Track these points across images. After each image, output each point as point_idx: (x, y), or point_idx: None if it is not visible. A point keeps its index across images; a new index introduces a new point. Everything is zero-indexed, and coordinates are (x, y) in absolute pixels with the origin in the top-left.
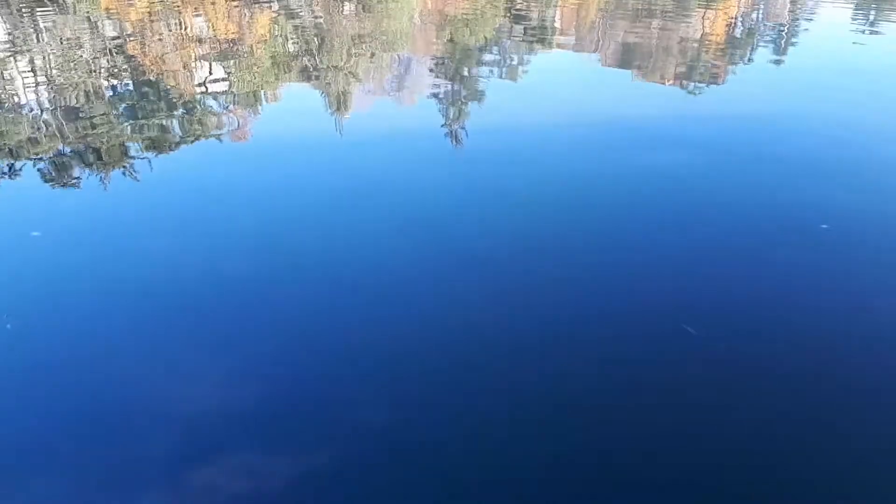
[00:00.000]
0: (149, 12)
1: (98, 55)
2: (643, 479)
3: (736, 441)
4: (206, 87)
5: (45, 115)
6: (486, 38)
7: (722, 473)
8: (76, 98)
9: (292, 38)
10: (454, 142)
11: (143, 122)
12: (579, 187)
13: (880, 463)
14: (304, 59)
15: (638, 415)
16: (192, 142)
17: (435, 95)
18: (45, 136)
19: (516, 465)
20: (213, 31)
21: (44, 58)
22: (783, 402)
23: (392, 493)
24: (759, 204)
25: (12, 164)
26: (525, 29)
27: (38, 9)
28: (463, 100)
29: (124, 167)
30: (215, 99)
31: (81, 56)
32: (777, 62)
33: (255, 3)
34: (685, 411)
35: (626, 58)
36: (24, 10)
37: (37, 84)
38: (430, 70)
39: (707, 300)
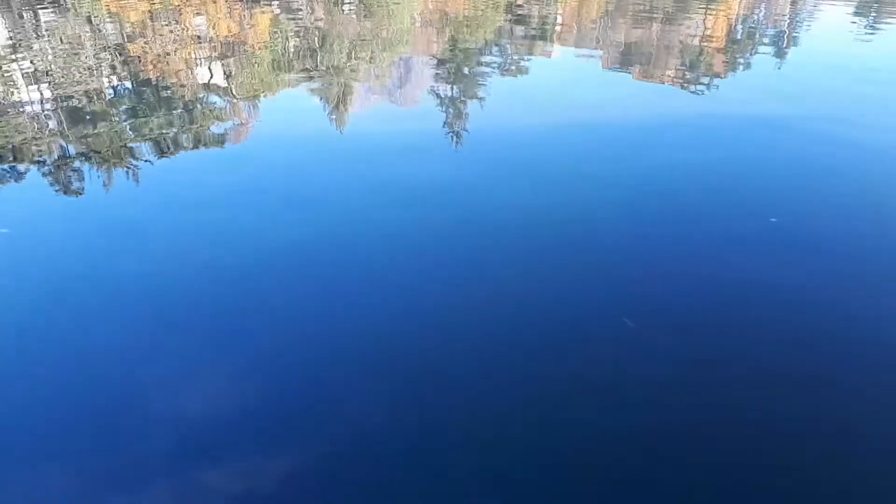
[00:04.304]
0: (149, 12)
1: (99, 55)
2: (640, 477)
3: (735, 441)
4: (206, 87)
5: (45, 115)
6: (486, 38)
7: (714, 471)
8: (76, 97)
9: (293, 39)
10: (455, 141)
11: (143, 121)
12: (579, 187)
13: (870, 461)
14: (305, 59)
15: (639, 413)
16: (193, 141)
17: (436, 95)
18: (46, 136)
19: (513, 462)
20: (214, 31)
21: (44, 58)
22: (777, 401)
23: (391, 489)
24: (757, 204)
25: (13, 165)
26: (526, 29)
27: (40, 9)
28: (464, 99)
29: (125, 167)
30: (216, 99)
31: (82, 56)
32: (777, 63)
33: (255, 3)
34: (684, 411)
35: (627, 58)
36: (24, 10)
37: (37, 84)
38: (431, 70)
39: (707, 300)
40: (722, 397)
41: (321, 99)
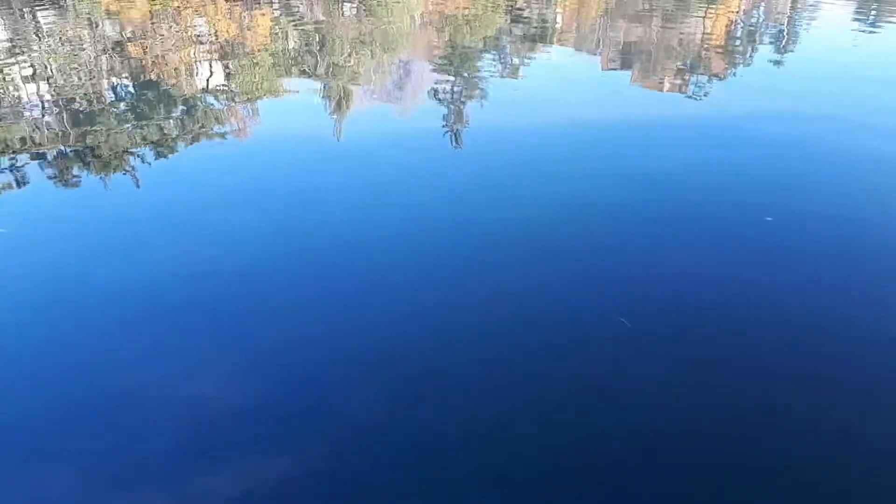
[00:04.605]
0: (149, 13)
1: (98, 56)
2: (640, 476)
3: (735, 441)
4: (206, 88)
5: (45, 116)
6: (486, 38)
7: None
8: (76, 98)
9: (293, 40)
10: (455, 141)
11: (143, 122)
12: (579, 187)
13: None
14: (305, 59)
15: (639, 413)
16: (193, 142)
17: (435, 96)
18: (45, 137)
19: (513, 462)
20: (214, 31)
21: (44, 58)
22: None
23: (391, 489)
24: (757, 203)
25: (13, 165)
26: (526, 30)
27: (40, 9)
28: (463, 100)
29: (125, 167)
30: (216, 99)
31: (82, 56)
32: (777, 62)
33: (255, 4)
34: (684, 411)
35: (627, 58)
36: (24, 10)
37: (37, 84)
38: (432, 71)
39: (707, 300)
40: (722, 397)
41: (321, 99)
